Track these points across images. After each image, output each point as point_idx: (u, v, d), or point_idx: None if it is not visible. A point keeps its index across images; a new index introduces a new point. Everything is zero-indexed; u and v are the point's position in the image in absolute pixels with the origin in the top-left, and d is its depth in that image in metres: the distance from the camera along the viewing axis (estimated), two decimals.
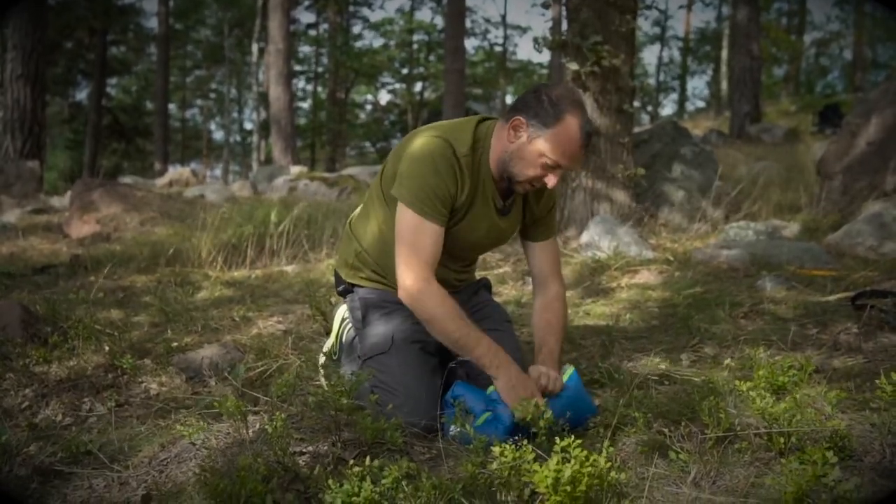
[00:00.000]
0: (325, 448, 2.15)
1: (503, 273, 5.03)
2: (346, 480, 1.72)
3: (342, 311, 2.78)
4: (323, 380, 2.65)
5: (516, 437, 1.92)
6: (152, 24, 30.49)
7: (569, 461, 1.68)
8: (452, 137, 2.31)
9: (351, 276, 2.63)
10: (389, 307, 2.52)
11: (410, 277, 2.25)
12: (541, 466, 1.68)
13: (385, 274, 2.55)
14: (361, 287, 2.61)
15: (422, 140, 2.31)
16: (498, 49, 35.81)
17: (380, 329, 2.49)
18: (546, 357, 2.40)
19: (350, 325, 2.67)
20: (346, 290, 2.67)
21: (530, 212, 2.55)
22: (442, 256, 2.34)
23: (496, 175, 2.37)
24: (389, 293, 2.53)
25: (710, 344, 3.16)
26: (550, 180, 2.29)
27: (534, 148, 2.24)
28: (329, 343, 2.83)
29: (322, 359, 2.83)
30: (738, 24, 17.16)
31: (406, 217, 2.27)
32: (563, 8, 6.32)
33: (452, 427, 2.19)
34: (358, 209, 2.70)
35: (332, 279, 3.11)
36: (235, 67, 34.49)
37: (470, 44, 35.37)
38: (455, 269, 2.57)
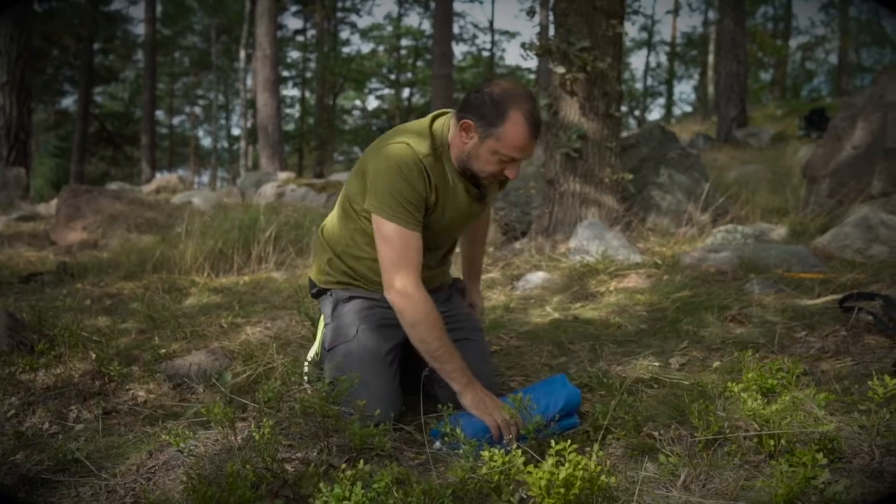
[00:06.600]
0: (314, 454, 2.14)
1: (492, 278, 5.03)
2: (338, 484, 1.71)
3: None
4: (307, 387, 2.65)
5: (505, 442, 1.91)
6: (139, 30, 30.42)
7: (563, 464, 1.68)
8: (411, 140, 2.37)
9: (324, 282, 2.68)
10: (358, 296, 2.58)
11: (401, 281, 2.31)
12: (534, 469, 1.68)
13: (357, 277, 2.60)
14: (334, 289, 2.65)
15: (384, 150, 2.37)
16: (486, 54, 35.89)
17: (347, 319, 2.54)
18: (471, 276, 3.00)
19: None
20: (319, 293, 2.72)
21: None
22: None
23: (459, 170, 2.43)
24: (361, 290, 2.59)
25: (699, 347, 3.16)
26: (511, 172, 2.37)
27: (486, 147, 2.31)
28: (313, 350, 2.83)
29: (306, 367, 2.82)
30: (725, 29, 17.22)
31: (387, 229, 2.33)
32: (551, 13, 6.33)
33: (438, 443, 2.19)
34: (328, 217, 2.74)
35: None
36: (223, 74, 34.39)
37: (458, 49, 35.47)
38: (431, 264, 2.60)
